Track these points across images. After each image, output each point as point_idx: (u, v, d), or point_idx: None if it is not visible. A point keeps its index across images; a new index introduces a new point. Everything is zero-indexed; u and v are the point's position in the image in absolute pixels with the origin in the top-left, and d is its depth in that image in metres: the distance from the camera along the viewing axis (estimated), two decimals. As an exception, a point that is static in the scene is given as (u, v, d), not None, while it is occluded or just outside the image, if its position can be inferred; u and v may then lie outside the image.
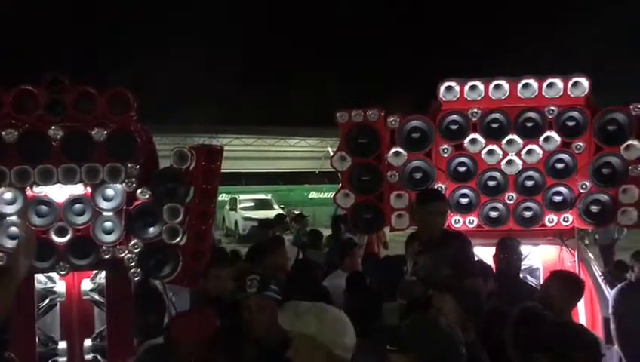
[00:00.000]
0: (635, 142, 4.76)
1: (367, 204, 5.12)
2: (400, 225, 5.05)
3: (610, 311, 5.05)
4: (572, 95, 4.86)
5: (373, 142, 5.03)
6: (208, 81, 31.39)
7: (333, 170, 5.31)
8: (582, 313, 4.85)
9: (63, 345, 4.39)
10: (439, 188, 4.89)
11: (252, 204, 23.10)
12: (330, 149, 22.43)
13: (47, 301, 4.49)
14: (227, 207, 23.55)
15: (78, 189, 4.33)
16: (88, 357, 4.37)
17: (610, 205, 4.87)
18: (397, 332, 2.57)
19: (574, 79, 4.84)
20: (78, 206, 4.30)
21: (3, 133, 4.11)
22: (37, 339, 4.30)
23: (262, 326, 3.28)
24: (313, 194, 29.60)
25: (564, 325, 3.11)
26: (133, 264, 4.35)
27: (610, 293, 5.17)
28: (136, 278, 4.37)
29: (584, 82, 4.83)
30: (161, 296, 4.05)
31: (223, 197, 22.33)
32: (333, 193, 5.42)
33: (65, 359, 4.36)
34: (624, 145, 4.78)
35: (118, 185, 4.30)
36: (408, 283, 3.99)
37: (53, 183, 4.21)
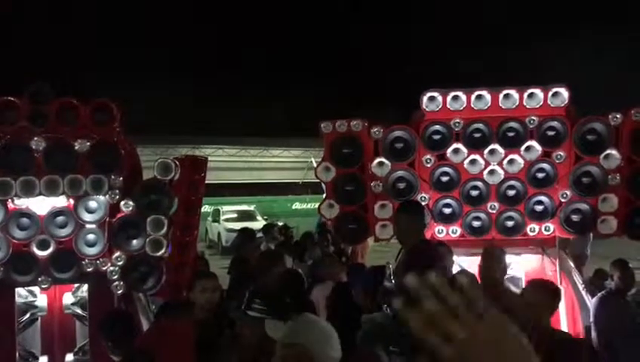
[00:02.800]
0: (614, 152, 4.84)
1: (352, 215, 5.14)
2: (384, 236, 5.07)
3: (591, 319, 5.10)
4: (552, 105, 4.93)
5: (356, 153, 5.06)
6: (190, 92, 31.31)
7: (317, 180, 5.32)
8: (564, 321, 4.90)
9: (44, 360, 4.34)
10: (415, 201, 4.87)
11: (235, 215, 22.98)
12: (313, 160, 22.44)
13: (27, 315, 4.43)
14: (210, 218, 23.41)
15: (61, 201, 4.29)
16: (70, 371, 4.32)
17: (590, 214, 4.94)
18: (401, 334, 2.56)
19: (554, 89, 4.92)
20: (60, 218, 4.27)
21: (-17, 145, 4.07)
22: (17, 354, 4.23)
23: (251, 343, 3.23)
24: (297, 205, 29.57)
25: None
26: (116, 277, 4.32)
27: (591, 302, 5.23)
28: (119, 291, 4.33)
29: (564, 92, 4.91)
30: (130, 319, 3.88)
31: (205, 208, 22.19)
32: (317, 204, 5.42)
33: (46, 374, 4.31)
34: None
35: (101, 197, 4.27)
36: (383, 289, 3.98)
37: (36, 195, 4.18)
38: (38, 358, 4.36)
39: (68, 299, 4.50)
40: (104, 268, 4.30)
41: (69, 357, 4.36)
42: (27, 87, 4.23)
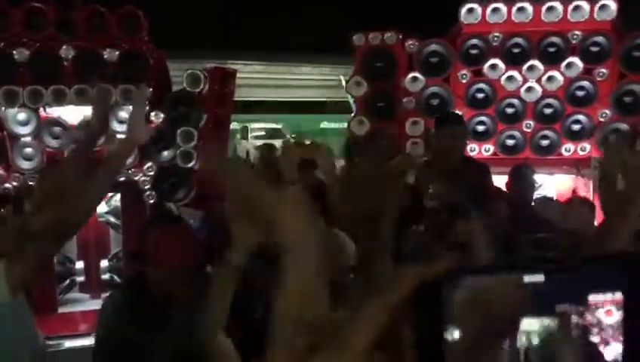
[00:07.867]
0: (661, 70, 4.61)
1: (382, 132, 5.05)
2: (415, 153, 4.99)
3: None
4: (598, 19, 4.67)
5: (389, 67, 4.91)
6: (215, 5, 30.56)
7: (346, 99, 5.21)
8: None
9: (80, 264, 4.49)
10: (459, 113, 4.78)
11: (264, 132, 23.02)
12: (342, 78, 22.11)
13: (63, 221, 4.55)
14: (238, 135, 23.49)
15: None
16: (105, 276, 4.48)
17: (629, 134, 4.78)
18: None
19: (602, 2, 4.63)
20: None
21: (14, 52, 4.04)
22: (55, 259, 4.38)
23: None
24: (325, 124, 29.37)
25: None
26: (147, 187, 4.37)
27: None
28: (151, 201, 4.40)
29: (612, 4, 4.63)
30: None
31: (234, 125, 22.21)
32: (345, 123, 5.34)
33: (82, 278, 4.48)
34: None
35: (131, 107, 4.25)
36: (431, 209, 3.93)
37: (66, 104, 4.18)
38: (74, 263, 4.52)
39: (102, 207, 4.59)
40: (136, 178, 4.35)
41: (104, 262, 4.51)
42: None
